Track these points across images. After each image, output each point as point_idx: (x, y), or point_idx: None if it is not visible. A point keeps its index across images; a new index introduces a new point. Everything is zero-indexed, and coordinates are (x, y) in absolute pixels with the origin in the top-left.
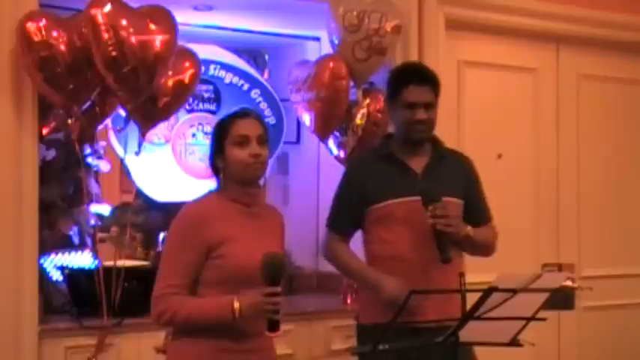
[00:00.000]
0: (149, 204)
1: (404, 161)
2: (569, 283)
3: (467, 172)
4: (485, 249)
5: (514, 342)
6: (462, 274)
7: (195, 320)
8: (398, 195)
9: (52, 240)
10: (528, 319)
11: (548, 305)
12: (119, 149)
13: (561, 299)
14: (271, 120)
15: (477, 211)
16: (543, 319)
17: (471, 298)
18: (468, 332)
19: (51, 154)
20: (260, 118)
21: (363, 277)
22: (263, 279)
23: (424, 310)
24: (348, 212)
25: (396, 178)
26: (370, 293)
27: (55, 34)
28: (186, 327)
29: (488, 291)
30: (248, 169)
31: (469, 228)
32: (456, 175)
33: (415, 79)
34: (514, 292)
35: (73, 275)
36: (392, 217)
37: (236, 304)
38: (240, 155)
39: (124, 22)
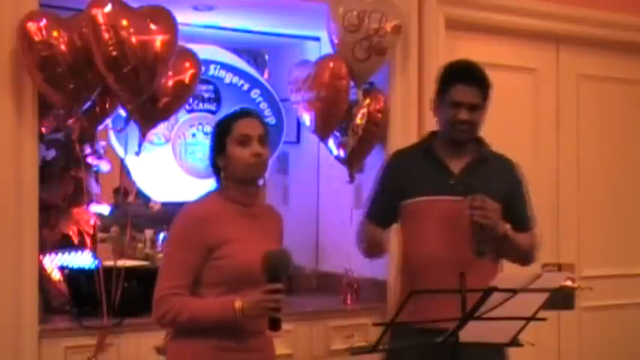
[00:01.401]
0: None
1: (443, 160)
2: (569, 283)
3: (510, 176)
4: (523, 255)
5: (514, 342)
6: (462, 274)
7: (197, 321)
8: (431, 192)
9: (52, 240)
10: (528, 319)
11: (548, 305)
12: (119, 149)
13: (561, 299)
14: (271, 120)
15: (517, 216)
16: (543, 319)
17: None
18: (468, 332)
19: (51, 154)
20: (261, 118)
21: (367, 233)
22: (264, 276)
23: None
24: (383, 204)
25: (432, 176)
26: (401, 293)
27: (55, 34)
28: (187, 327)
29: (489, 291)
30: (250, 168)
31: (508, 227)
32: (496, 178)
33: (463, 78)
34: (514, 292)
35: (73, 275)
36: (423, 214)
37: (237, 304)
38: (242, 154)
39: (124, 22)
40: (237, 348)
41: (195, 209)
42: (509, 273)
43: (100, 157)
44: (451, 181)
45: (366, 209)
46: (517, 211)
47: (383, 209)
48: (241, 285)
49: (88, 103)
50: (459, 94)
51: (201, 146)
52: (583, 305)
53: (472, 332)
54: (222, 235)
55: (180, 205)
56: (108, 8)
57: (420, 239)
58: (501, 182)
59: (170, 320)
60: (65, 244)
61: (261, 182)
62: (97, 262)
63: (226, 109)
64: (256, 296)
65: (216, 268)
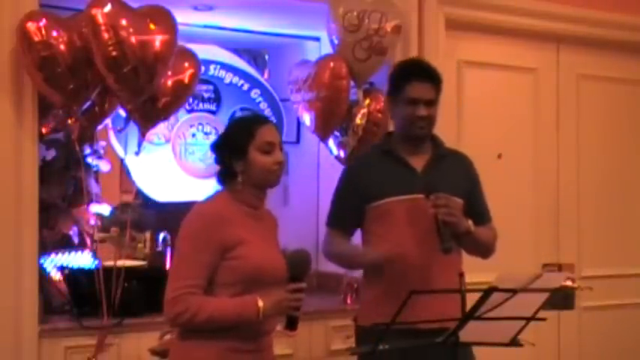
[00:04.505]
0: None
1: (404, 159)
2: (569, 283)
3: (467, 171)
4: (485, 248)
5: (514, 342)
6: (461, 274)
7: (216, 320)
8: (398, 192)
9: (52, 240)
10: (528, 319)
11: (548, 305)
12: (119, 149)
13: (561, 299)
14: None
15: (477, 211)
16: (543, 319)
17: (471, 298)
18: (468, 332)
19: (51, 154)
20: (276, 124)
21: (353, 256)
22: (288, 275)
23: (423, 310)
24: (348, 209)
25: (396, 176)
26: (369, 293)
27: (55, 34)
28: (204, 327)
29: (489, 291)
30: (271, 175)
31: (470, 222)
32: (456, 174)
33: (418, 75)
34: (514, 292)
35: (73, 275)
36: (391, 215)
37: (260, 303)
38: (265, 162)
39: (124, 22)
40: (248, 349)
41: (210, 209)
42: (509, 273)
43: (100, 157)
44: (415, 180)
45: (329, 218)
46: (477, 206)
47: (346, 216)
48: (253, 285)
49: (88, 103)
50: (415, 90)
51: (201, 146)
52: (583, 305)
53: (472, 332)
54: (237, 236)
55: (179, 205)
56: (108, 8)
57: (388, 239)
58: (461, 178)
59: (187, 320)
60: (65, 244)
61: None
62: (97, 262)
63: (226, 109)
64: (279, 295)
65: (231, 269)
